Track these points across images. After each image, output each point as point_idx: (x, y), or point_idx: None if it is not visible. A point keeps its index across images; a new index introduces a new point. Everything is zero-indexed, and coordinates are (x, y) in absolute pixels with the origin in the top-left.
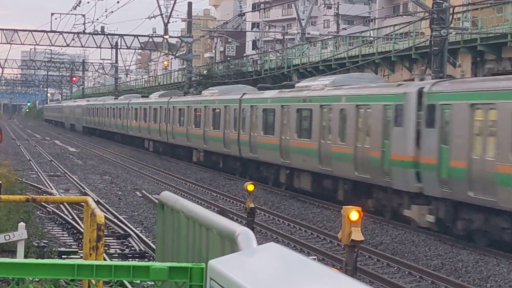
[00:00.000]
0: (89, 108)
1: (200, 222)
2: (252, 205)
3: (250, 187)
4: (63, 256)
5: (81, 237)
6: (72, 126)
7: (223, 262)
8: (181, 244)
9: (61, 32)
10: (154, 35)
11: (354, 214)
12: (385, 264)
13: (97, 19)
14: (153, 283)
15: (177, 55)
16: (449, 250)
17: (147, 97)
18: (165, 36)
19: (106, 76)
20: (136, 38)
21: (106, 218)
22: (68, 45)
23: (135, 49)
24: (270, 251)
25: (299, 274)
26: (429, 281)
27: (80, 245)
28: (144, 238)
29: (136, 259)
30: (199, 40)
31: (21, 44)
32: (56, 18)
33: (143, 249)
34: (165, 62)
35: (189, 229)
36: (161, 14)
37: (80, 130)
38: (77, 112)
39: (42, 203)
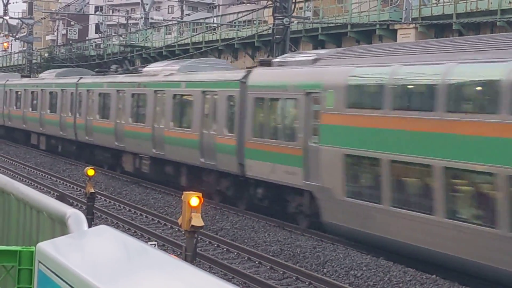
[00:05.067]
0: None
1: (31, 205)
2: (92, 190)
3: (91, 172)
4: None
5: None
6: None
7: (52, 244)
8: (12, 227)
9: None
10: None
11: (194, 199)
12: (225, 249)
13: None
14: None
15: (17, 36)
16: (288, 236)
17: None
18: (5, 17)
19: None
20: None
21: None
22: None
23: None
24: (100, 234)
25: (127, 254)
26: (268, 267)
27: None
28: None
29: None
30: (40, 22)
31: None
32: None
33: None
34: (5, 44)
35: (19, 211)
36: None
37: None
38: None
39: None
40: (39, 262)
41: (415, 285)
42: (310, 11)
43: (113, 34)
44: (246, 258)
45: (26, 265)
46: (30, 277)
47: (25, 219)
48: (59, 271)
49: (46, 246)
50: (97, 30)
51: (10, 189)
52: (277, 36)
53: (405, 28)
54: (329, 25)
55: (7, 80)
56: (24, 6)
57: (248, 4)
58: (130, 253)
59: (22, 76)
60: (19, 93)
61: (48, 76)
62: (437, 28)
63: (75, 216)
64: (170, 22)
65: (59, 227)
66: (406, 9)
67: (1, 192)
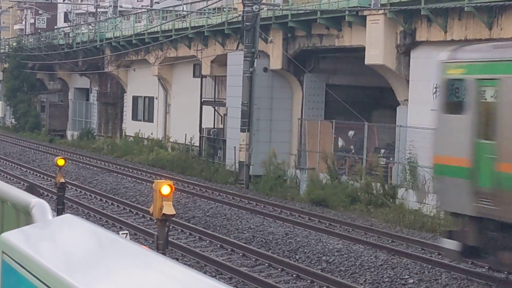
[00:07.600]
0: None
1: None
2: (62, 180)
3: (61, 161)
4: None
5: None
6: None
7: (16, 235)
8: None
9: None
10: None
11: (165, 188)
12: (197, 237)
13: None
14: None
15: None
16: (260, 223)
17: None
18: None
19: None
20: None
21: None
22: None
23: None
24: (65, 223)
25: (93, 243)
26: (240, 254)
27: None
28: None
29: None
30: (8, 11)
31: None
32: None
33: None
34: None
35: None
36: None
37: None
38: None
39: None
40: (3, 252)
41: (386, 270)
42: None
43: (82, 22)
44: (218, 246)
45: None
46: None
47: None
48: (24, 262)
49: (10, 236)
50: (66, 19)
51: None
52: (247, 24)
53: (374, 14)
54: (299, 11)
55: None
56: None
57: None
58: (95, 242)
59: None
60: None
61: None
62: (406, 14)
63: (39, 205)
64: (139, 10)
65: (24, 217)
66: None
67: None
